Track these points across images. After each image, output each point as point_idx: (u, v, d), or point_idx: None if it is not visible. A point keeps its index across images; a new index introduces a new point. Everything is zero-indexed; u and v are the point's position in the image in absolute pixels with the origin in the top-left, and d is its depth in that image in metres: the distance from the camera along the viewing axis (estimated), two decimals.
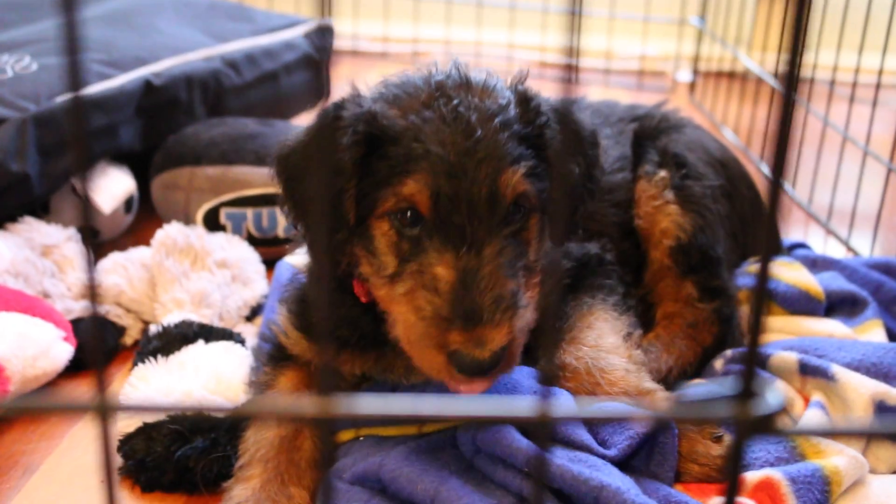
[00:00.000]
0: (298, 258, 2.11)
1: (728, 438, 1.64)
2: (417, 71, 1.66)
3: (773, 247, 1.78)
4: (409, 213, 1.51)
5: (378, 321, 1.61)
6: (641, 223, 2.07)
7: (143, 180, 2.76)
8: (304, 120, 3.25)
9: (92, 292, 0.67)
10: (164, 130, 2.75)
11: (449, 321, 1.42)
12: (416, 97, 1.57)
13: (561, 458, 1.51)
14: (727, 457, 0.68)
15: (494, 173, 1.49)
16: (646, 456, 1.62)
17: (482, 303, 1.42)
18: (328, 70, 3.48)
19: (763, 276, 0.68)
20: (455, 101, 1.54)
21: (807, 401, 1.80)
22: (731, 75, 4.15)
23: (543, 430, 0.68)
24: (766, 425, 0.69)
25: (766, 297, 0.66)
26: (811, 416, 1.73)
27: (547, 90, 1.74)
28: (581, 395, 1.65)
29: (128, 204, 2.67)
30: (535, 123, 1.59)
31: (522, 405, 0.68)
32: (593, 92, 4.41)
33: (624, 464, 1.60)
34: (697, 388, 0.65)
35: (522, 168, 1.52)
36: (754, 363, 0.69)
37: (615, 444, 1.59)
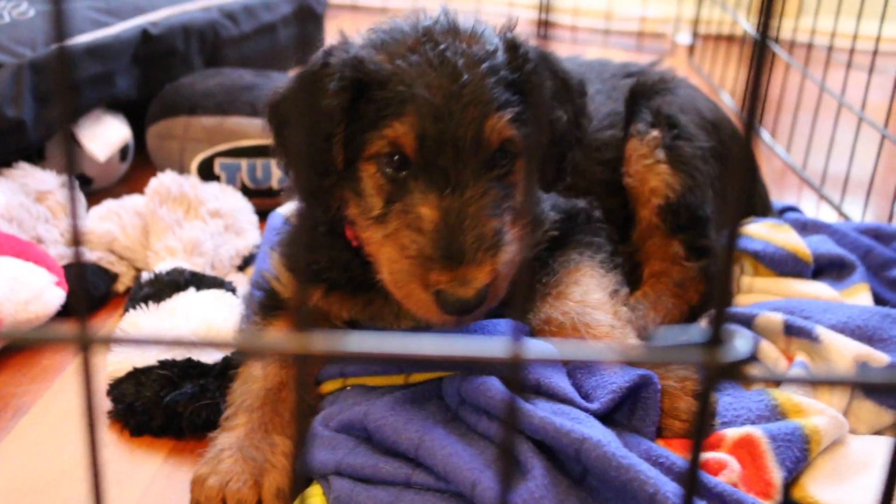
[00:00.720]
0: (290, 208, 2.13)
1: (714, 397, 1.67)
2: (406, 18, 1.67)
3: (745, 201, 1.75)
4: (395, 156, 1.53)
5: (368, 265, 1.64)
6: (631, 181, 2.08)
7: (139, 129, 2.76)
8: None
9: (75, 234, 0.68)
10: (161, 80, 2.75)
11: (433, 260, 1.46)
12: (402, 42, 1.59)
13: (544, 411, 1.52)
14: (696, 401, 0.69)
15: (480, 117, 1.51)
16: (628, 410, 1.64)
17: (465, 242, 1.46)
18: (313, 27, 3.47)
19: (733, 228, 0.70)
20: (442, 46, 1.55)
21: (791, 361, 1.81)
22: (731, 39, 4.15)
23: (515, 373, 0.70)
24: (733, 372, 0.70)
25: (734, 246, 0.68)
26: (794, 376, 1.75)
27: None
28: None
29: (123, 152, 2.67)
30: (524, 70, 1.60)
31: (495, 347, 0.70)
32: (592, 52, 4.40)
33: (607, 417, 1.61)
34: (668, 333, 0.67)
35: (508, 114, 1.54)
36: (724, 310, 0.71)
37: (598, 397, 1.61)
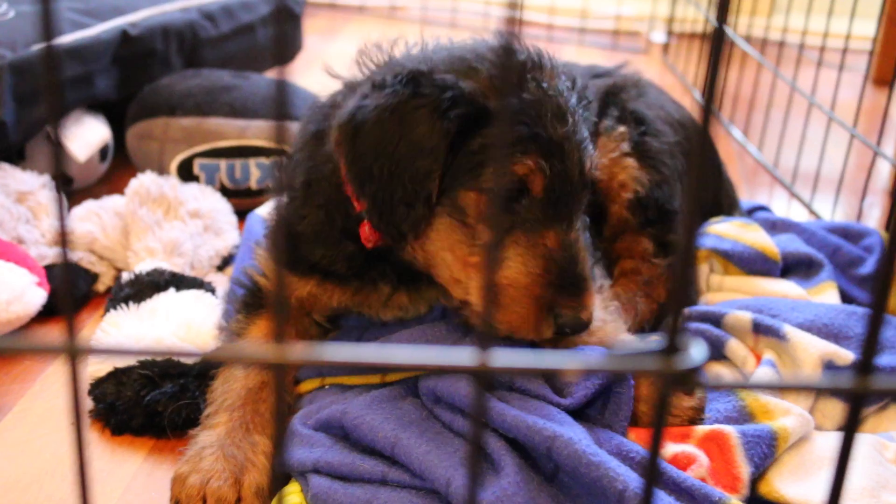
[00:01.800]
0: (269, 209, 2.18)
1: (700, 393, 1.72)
2: (471, 40, 1.73)
3: (710, 197, 1.79)
4: (516, 190, 1.59)
5: (371, 259, 1.75)
6: (599, 175, 2.12)
7: (118, 129, 2.78)
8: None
9: (63, 238, 0.71)
10: (141, 80, 2.78)
11: (560, 287, 1.59)
12: (501, 75, 1.61)
13: (516, 409, 1.56)
14: (654, 408, 0.73)
15: (584, 157, 1.63)
16: (601, 405, 1.68)
17: (583, 272, 1.61)
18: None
19: (690, 228, 0.73)
20: (543, 84, 1.62)
21: (759, 359, 1.85)
22: (704, 37, 4.19)
23: (482, 380, 0.73)
24: (687, 379, 0.74)
25: (693, 250, 0.71)
26: (761, 374, 1.79)
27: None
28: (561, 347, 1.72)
29: (103, 152, 2.69)
30: (586, 105, 1.72)
31: (462, 355, 0.73)
32: (568, 51, 4.44)
33: (579, 412, 1.65)
34: (627, 342, 0.70)
35: (596, 153, 1.68)
36: (679, 320, 0.74)
37: (571, 393, 1.65)
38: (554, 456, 1.49)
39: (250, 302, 1.85)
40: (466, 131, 1.56)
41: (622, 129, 2.13)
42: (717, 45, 0.75)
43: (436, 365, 0.73)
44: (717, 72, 0.74)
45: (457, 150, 1.57)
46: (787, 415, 1.66)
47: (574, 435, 1.50)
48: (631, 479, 1.44)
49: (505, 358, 0.74)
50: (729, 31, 3.43)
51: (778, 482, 1.60)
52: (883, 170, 3.18)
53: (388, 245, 1.70)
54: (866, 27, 3.36)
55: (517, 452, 1.54)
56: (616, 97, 2.21)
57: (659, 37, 4.83)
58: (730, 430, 1.62)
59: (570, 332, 1.62)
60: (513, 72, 1.60)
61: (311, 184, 1.76)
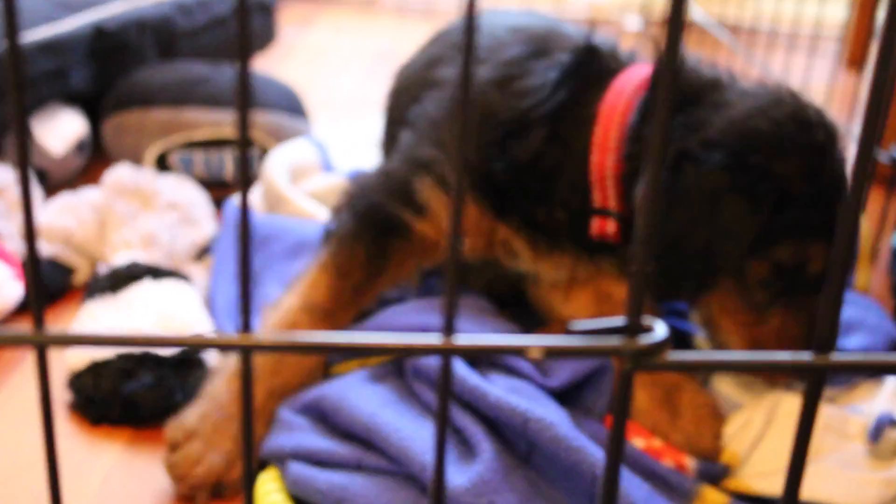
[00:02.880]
0: None
1: None
2: (767, 95, 1.67)
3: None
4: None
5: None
6: None
7: (95, 123, 2.78)
8: (257, 64, 3.26)
9: (28, 228, 0.72)
10: (116, 74, 2.77)
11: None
12: (805, 162, 1.60)
13: (500, 389, 1.57)
14: (616, 387, 0.74)
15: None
16: (582, 389, 1.69)
17: None
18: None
19: (647, 218, 0.74)
20: (838, 166, 1.62)
21: None
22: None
23: (446, 362, 0.75)
24: (650, 357, 0.75)
25: (654, 236, 0.72)
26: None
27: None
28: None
29: (80, 146, 2.69)
30: None
31: (427, 338, 0.75)
32: None
33: (568, 394, 1.67)
34: (588, 321, 0.71)
35: None
36: (641, 295, 0.75)
37: (557, 375, 1.66)
38: (531, 436, 1.50)
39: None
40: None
41: None
42: (674, 30, 0.76)
43: (401, 346, 0.75)
44: (675, 52, 0.76)
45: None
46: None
47: (556, 418, 1.51)
48: (603, 462, 1.46)
49: (469, 338, 0.76)
50: (700, 16, 3.45)
51: (749, 476, 1.61)
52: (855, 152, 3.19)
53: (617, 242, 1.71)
54: (837, 12, 3.39)
55: (496, 433, 1.55)
56: None
57: (633, 24, 4.85)
58: None
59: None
60: (815, 158, 1.60)
61: (556, 143, 1.73)
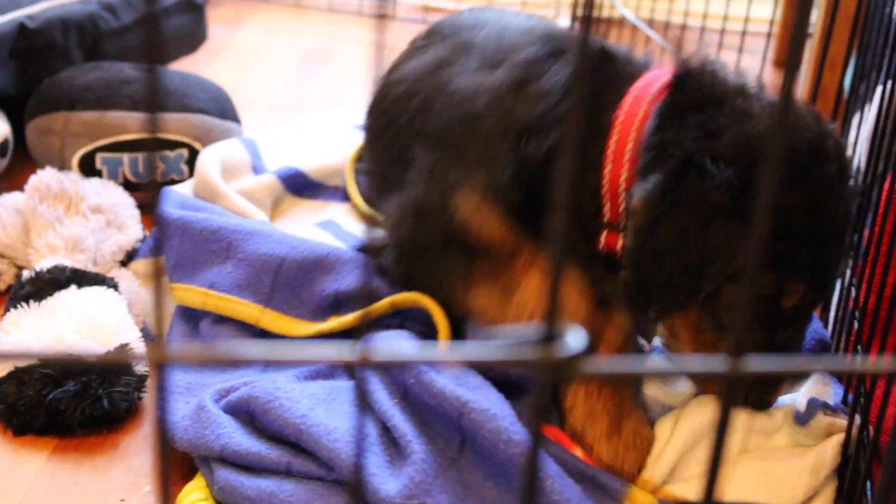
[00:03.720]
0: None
1: None
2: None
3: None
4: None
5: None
6: None
7: (18, 125, 2.74)
8: (182, 65, 3.22)
9: None
10: (40, 74, 2.73)
11: None
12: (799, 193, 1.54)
13: (446, 379, 1.57)
14: (534, 399, 0.74)
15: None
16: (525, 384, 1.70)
17: None
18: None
19: (560, 221, 0.74)
20: (826, 184, 1.57)
21: (650, 345, 1.86)
22: (609, 22, 4.23)
23: (362, 374, 0.74)
24: (567, 368, 0.75)
25: (565, 242, 0.72)
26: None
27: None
28: None
29: (2, 149, 2.65)
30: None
31: (345, 350, 0.74)
32: None
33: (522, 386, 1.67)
34: (505, 331, 0.71)
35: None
36: (556, 306, 0.75)
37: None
38: (471, 429, 1.51)
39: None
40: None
41: None
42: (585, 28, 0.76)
43: (320, 359, 0.74)
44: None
45: None
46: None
47: (498, 410, 1.52)
48: (546, 462, 1.47)
49: (386, 352, 0.75)
50: (630, 14, 3.48)
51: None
52: None
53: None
54: (764, 10, 3.43)
55: (429, 430, 1.55)
56: None
57: (563, 22, 4.87)
58: None
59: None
60: (822, 194, 1.54)
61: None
